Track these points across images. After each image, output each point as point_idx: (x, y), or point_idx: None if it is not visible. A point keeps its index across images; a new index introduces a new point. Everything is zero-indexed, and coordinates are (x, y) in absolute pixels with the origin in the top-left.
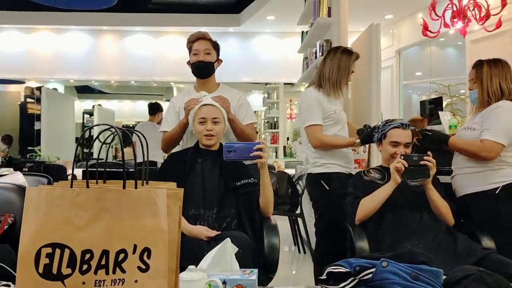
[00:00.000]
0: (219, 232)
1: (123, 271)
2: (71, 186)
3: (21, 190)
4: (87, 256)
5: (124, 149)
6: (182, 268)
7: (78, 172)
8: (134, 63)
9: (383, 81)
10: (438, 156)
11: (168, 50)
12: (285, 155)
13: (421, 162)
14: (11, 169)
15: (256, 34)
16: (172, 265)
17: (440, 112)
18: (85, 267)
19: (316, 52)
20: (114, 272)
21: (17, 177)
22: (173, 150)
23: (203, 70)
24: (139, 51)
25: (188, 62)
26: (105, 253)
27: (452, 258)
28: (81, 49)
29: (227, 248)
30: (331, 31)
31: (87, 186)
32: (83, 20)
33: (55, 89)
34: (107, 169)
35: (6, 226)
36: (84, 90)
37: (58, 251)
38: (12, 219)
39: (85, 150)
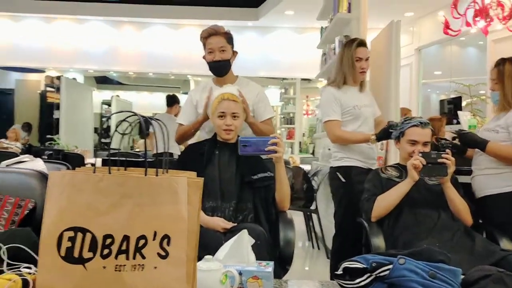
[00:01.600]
0: (236, 224)
1: (143, 257)
2: (94, 172)
3: (41, 176)
4: (108, 241)
5: (141, 141)
6: (199, 259)
7: (98, 162)
8: (153, 55)
9: (402, 79)
10: (457, 155)
11: (186, 43)
12: (300, 150)
13: (440, 160)
14: (32, 156)
15: (274, 29)
16: (191, 254)
17: (459, 112)
18: (106, 251)
19: (335, 48)
20: (134, 258)
21: (38, 164)
22: (191, 141)
23: (220, 69)
24: (158, 43)
25: (204, 57)
26: (126, 238)
27: (470, 259)
28: (101, 39)
29: (244, 240)
30: (350, 27)
31: (109, 172)
32: (103, 11)
33: (74, 79)
34: (127, 159)
35: (27, 211)
36: (103, 81)
37: (80, 235)
38: (32, 205)
39: (103, 140)
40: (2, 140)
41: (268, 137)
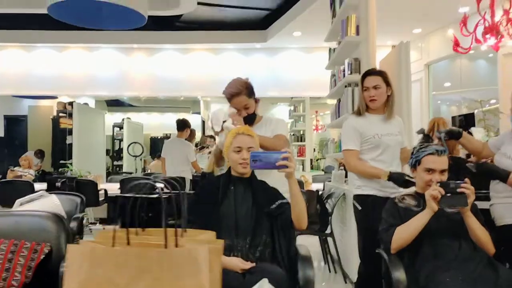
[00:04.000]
0: (254, 264)
1: None
2: (113, 245)
3: (57, 218)
4: None
5: (153, 162)
6: None
7: (111, 186)
8: (163, 79)
9: (412, 94)
10: (473, 179)
11: (196, 66)
12: (312, 167)
13: (459, 190)
14: (45, 192)
15: (282, 50)
16: None
17: (473, 129)
18: None
19: (344, 70)
20: None
21: (52, 201)
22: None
23: (248, 122)
24: (168, 67)
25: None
26: None
27: None
28: (111, 66)
29: None
30: (359, 50)
31: (128, 243)
32: (114, 39)
33: (86, 103)
34: (141, 194)
35: (43, 256)
36: (114, 104)
37: None
38: (48, 249)
39: (115, 163)
40: (16, 168)
41: (279, 152)
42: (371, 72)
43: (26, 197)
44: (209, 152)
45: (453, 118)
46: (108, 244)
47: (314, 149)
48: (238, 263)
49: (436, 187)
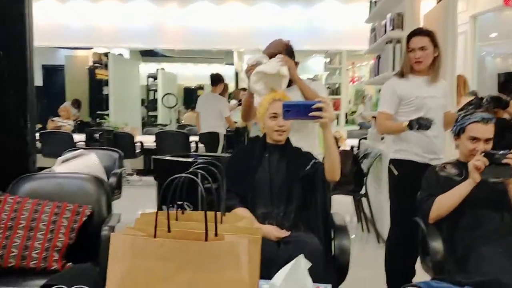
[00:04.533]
0: (289, 233)
1: None
2: (155, 236)
3: (97, 181)
4: None
5: (186, 113)
6: None
7: (147, 138)
8: (196, 31)
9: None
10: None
11: (229, 18)
12: (347, 122)
13: (504, 161)
14: (85, 151)
15: (319, 0)
16: None
17: None
18: None
19: (386, 25)
20: None
21: (92, 159)
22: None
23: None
24: (201, 19)
25: None
26: None
27: None
28: (145, 17)
29: (301, 265)
30: (403, 3)
31: (169, 230)
32: None
33: (120, 54)
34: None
35: (85, 218)
36: (148, 54)
37: None
38: (90, 211)
39: (150, 114)
40: (56, 118)
41: (313, 101)
42: (418, 32)
43: (67, 155)
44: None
45: (499, 75)
46: (149, 232)
47: (350, 101)
48: (272, 231)
49: (480, 157)
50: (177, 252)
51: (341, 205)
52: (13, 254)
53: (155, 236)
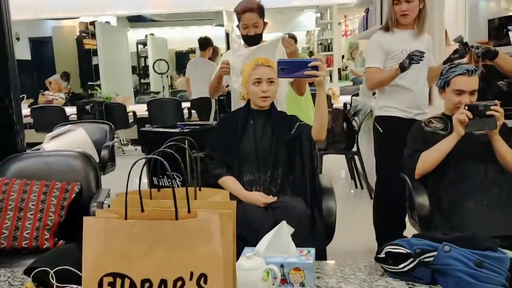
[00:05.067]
0: (275, 198)
1: None
2: (126, 218)
3: (84, 157)
4: (147, 285)
5: (179, 79)
6: (242, 237)
7: (139, 108)
8: None
9: None
10: (505, 98)
11: None
12: (339, 78)
13: (488, 112)
14: (73, 126)
15: None
16: (229, 283)
17: (510, 33)
18: None
19: None
20: None
21: (80, 134)
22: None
23: (253, 42)
24: None
25: (237, 26)
26: (163, 282)
27: None
28: None
29: (283, 231)
30: None
31: (142, 210)
32: None
33: (107, 22)
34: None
35: (74, 195)
36: (136, 20)
37: (119, 280)
38: (78, 187)
39: (143, 81)
40: (46, 92)
41: (308, 59)
42: None
43: (55, 131)
44: None
45: (490, 21)
46: (123, 213)
47: (343, 56)
48: (259, 197)
49: (464, 110)
50: (149, 232)
51: (335, 163)
52: (4, 235)
53: (126, 218)
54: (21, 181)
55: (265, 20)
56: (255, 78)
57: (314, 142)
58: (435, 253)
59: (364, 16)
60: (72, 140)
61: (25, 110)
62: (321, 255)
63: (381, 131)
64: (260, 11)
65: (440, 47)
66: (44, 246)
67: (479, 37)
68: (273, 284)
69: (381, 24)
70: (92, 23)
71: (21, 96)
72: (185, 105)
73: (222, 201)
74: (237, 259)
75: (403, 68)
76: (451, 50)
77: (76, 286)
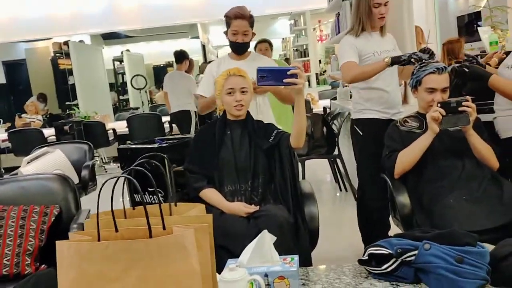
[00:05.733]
0: (257, 208)
1: None
2: (99, 239)
3: (62, 179)
4: None
5: (158, 93)
6: (226, 249)
7: (119, 125)
8: (156, 8)
9: None
10: (478, 93)
11: None
12: (318, 83)
13: (460, 109)
14: (49, 148)
15: None
16: None
17: (479, 29)
18: None
19: None
20: None
21: (57, 156)
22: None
23: (241, 50)
24: None
25: (225, 33)
26: None
27: (498, 209)
28: (100, 2)
29: (265, 240)
30: None
31: (116, 230)
32: None
33: (81, 41)
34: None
35: (53, 218)
36: (110, 37)
37: None
38: (57, 210)
39: (121, 98)
40: (24, 115)
41: (288, 68)
42: None
43: (32, 154)
44: None
45: (459, 18)
46: (96, 236)
47: (320, 61)
48: (241, 208)
49: (437, 108)
50: (123, 252)
51: (320, 167)
52: None
53: (99, 239)
54: None
55: (253, 32)
56: (228, 88)
57: (293, 149)
58: (416, 252)
59: (336, 21)
60: (50, 162)
61: (3, 135)
62: (306, 262)
63: (361, 133)
64: (251, 20)
65: (412, 44)
66: (26, 272)
67: (450, 34)
68: None
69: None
70: (66, 43)
71: None
72: (166, 119)
73: (197, 215)
74: (222, 271)
75: (395, 62)
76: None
77: None
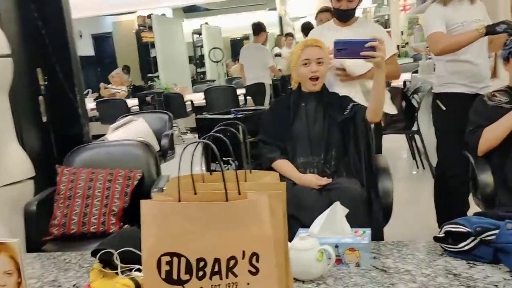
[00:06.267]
0: (330, 180)
1: (235, 275)
2: (179, 200)
3: (145, 146)
4: (201, 264)
5: (234, 66)
6: (296, 219)
7: (197, 96)
8: None
9: None
10: None
11: None
12: (399, 55)
13: None
14: (133, 116)
15: None
16: (281, 262)
17: None
18: (200, 273)
19: None
20: (227, 277)
21: (141, 124)
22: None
23: (345, 17)
24: None
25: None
26: (217, 261)
27: None
28: None
29: (337, 212)
30: None
31: (195, 193)
32: None
33: (163, 14)
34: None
35: (136, 182)
36: (191, 10)
37: (175, 259)
38: (140, 175)
39: (199, 70)
40: (109, 86)
41: (366, 40)
42: None
43: (117, 122)
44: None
45: None
46: (178, 196)
47: (402, 32)
48: (313, 180)
49: None
50: (201, 213)
51: (396, 143)
52: (74, 221)
53: (179, 200)
54: (87, 170)
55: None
56: (304, 59)
57: (369, 123)
58: (497, 231)
59: None
60: (134, 130)
61: (91, 104)
62: (378, 236)
63: (444, 108)
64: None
65: (506, 12)
66: (111, 230)
67: None
68: (328, 265)
69: None
70: (149, 16)
71: (86, 90)
72: (241, 91)
73: (271, 183)
74: (292, 240)
75: (490, 32)
76: None
77: (138, 266)
